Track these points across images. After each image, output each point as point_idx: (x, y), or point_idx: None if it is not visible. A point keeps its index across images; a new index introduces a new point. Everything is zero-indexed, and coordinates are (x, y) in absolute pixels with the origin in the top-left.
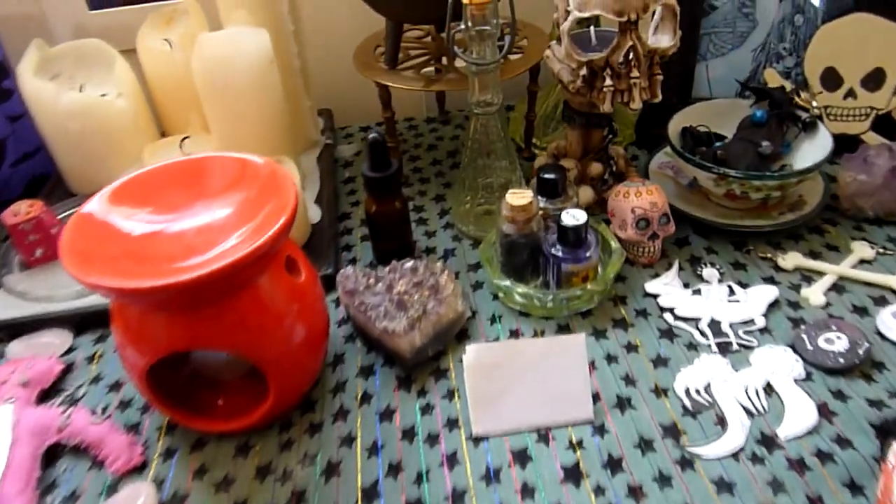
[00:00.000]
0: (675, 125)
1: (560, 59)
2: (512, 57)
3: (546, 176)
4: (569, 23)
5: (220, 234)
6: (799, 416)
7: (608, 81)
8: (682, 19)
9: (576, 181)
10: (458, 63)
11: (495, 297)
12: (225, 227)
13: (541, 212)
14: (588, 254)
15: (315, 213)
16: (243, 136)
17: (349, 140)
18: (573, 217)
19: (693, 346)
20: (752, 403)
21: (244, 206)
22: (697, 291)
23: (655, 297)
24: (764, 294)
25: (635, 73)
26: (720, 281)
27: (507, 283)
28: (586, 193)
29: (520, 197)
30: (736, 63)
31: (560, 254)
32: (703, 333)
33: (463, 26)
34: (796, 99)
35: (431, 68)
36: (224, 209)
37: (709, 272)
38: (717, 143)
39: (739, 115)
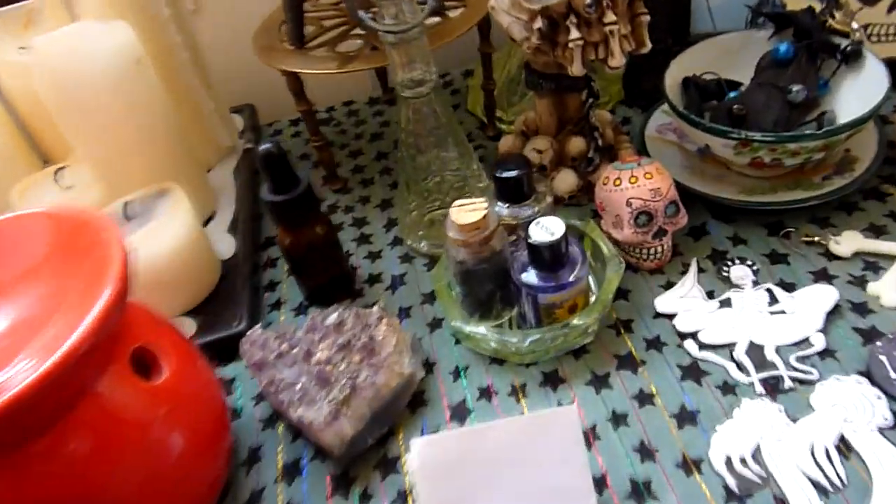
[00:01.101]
0: (673, 76)
1: (506, 10)
2: (451, 14)
3: (503, 175)
4: None
5: (5, 351)
6: (892, 488)
7: (574, 34)
8: None
9: (552, 165)
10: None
11: (459, 340)
12: (14, 334)
13: (502, 223)
14: (572, 276)
15: (227, 246)
16: (116, 159)
17: (278, 139)
18: (546, 230)
19: (730, 388)
20: (823, 472)
21: (43, 296)
22: (726, 303)
23: (670, 317)
24: (818, 298)
25: (610, 16)
26: (755, 283)
27: (469, 327)
28: (567, 180)
29: (469, 210)
30: None
31: (535, 281)
32: (740, 367)
33: None
34: (829, 22)
35: (356, 41)
36: (14, 304)
37: (738, 272)
38: (732, 94)
39: (756, 52)
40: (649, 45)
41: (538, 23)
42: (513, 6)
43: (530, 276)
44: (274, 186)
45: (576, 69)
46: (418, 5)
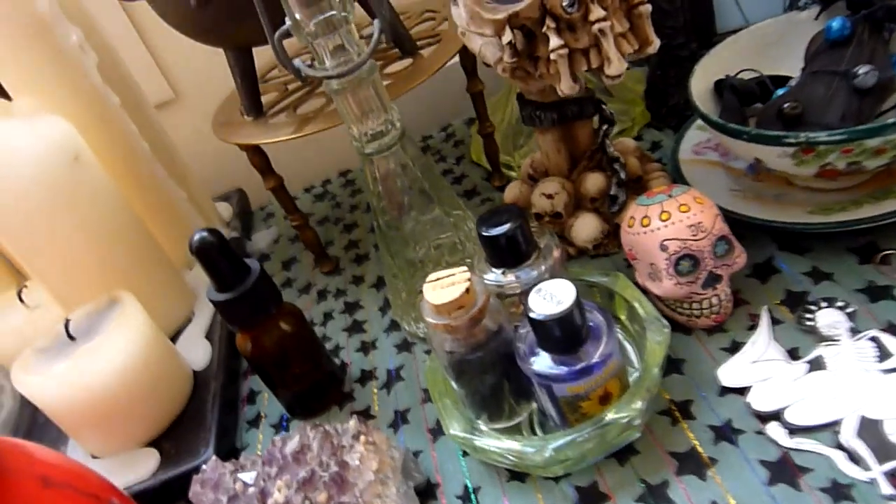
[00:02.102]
0: (702, 81)
1: (470, 28)
2: (423, 53)
3: (491, 233)
4: None
5: None
6: None
7: (555, 41)
8: None
9: (568, 210)
10: (330, 85)
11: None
12: None
13: (501, 294)
14: (597, 356)
15: (202, 355)
16: (63, 269)
17: (269, 223)
18: (551, 298)
19: (842, 490)
20: None
21: None
22: (818, 364)
23: (742, 391)
24: None
25: (597, 11)
26: (854, 332)
27: (471, 435)
28: (587, 226)
29: (446, 286)
30: None
31: (547, 368)
32: (852, 456)
33: (289, 21)
34: None
35: (319, 100)
36: None
37: (828, 318)
38: (780, 91)
39: (802, 37)
40: (655, 42)
41: (507, 36)
42: (472, 20)
43: (541, 362)
44: (218, 282)
45: (564, 86)
46: (361, 39)
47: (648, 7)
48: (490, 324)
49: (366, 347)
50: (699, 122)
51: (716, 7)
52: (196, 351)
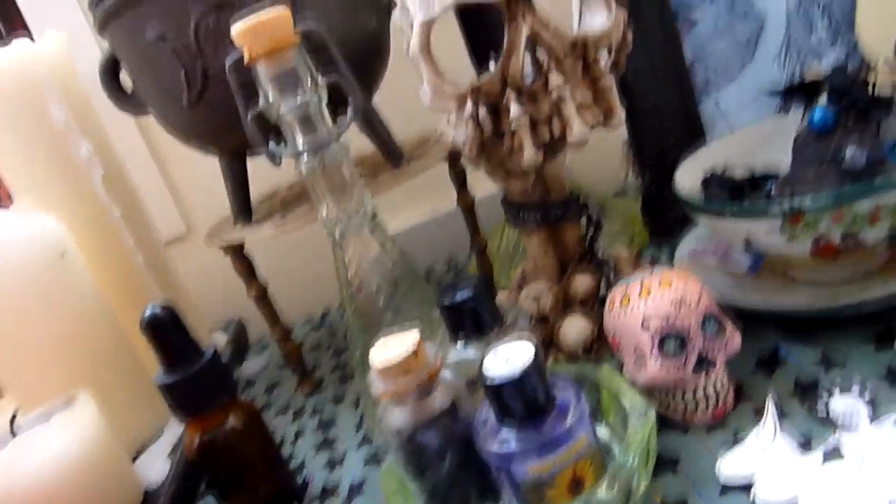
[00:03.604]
0: (688, 175)
1: (449, 121)
2: (412, 163)
3: (452, 302)
4: (418, 36)
5: None
6: None
7: (515, 110)
8: (656, 49)
9: (555, 312)
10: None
11: None
12: None
13: (462, 370)
14: (563, 427)
15: (159, 473)
16: (26, 366)
17: (263, 354)
18: (506, 360)
19: None
20: None
21: None
22: (833, 453)
23: (747, 488)
24: None
25: (555, 79)
26: (873, 418)
27: None
28: (576, 327)
29: (394, 347)
30: (755, 83)
31: (506, 447)
32: None
33: (263, 101)
34: (873, 73)
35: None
36: None
37: (843, 405)
38: (770, 185)
39: (788, 136)
40: (618, 112)
41: (469, 108)
42: (436, 95)
43: (497, 439)
44: (166, 363)
45: (527, 156)
46: (335, 123)
47: (611, 79)
48: (442, 397)
49: (333, 463)
50: (695, 230)
51: (707, 126)
52: (155, 468)
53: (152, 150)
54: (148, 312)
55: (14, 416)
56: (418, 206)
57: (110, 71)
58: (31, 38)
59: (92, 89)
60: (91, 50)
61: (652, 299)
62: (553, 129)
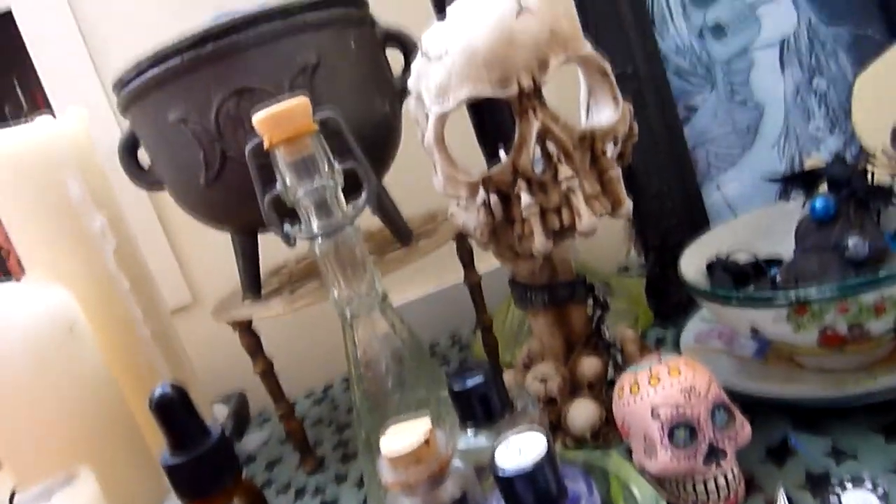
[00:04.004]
0: (692, 262)
1: (459, 204)
2: (419, 243)
3: (462, 388)
4: (433, 128)
5: None
6: None
7: (526, 199)
8: (658, 135)
9: (563, 395)
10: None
11: None
12: None
13: (473, 458)
14: None
15: None
16: (25, 438)
17: (265, 428)
18: (516, 450)
19: None
20: None
21: None
22: None
23: None
24: None
25: (564, 170)
26: None
27: None
28: (584, 411)
29: (403, 436)
30: (756, 168)
31: None
32: None
33: (280, 186)
34: (871, 164)
35: (316, 282)
36: None
37: (856, 499)
38: (773, 270)
39: (793, 225)
40: (627, 204)
41: (481, 196)
42: (448, 183)
43: None
44: (173, 444)
45: (538, 244)
46: (349, 206)
47: (618, 171)
48: (453, 487)
49: None
50: (701, 313)
51: (709, 210)
52: None
53: (162, 221)
54: (157, 392)
55: (13, 494)
56: (422, 278)
57: (129, 148)
58: (53, 114)
59: (108, 161)
60: (109, 122)
61: (661, 388)
62: (563, 217)
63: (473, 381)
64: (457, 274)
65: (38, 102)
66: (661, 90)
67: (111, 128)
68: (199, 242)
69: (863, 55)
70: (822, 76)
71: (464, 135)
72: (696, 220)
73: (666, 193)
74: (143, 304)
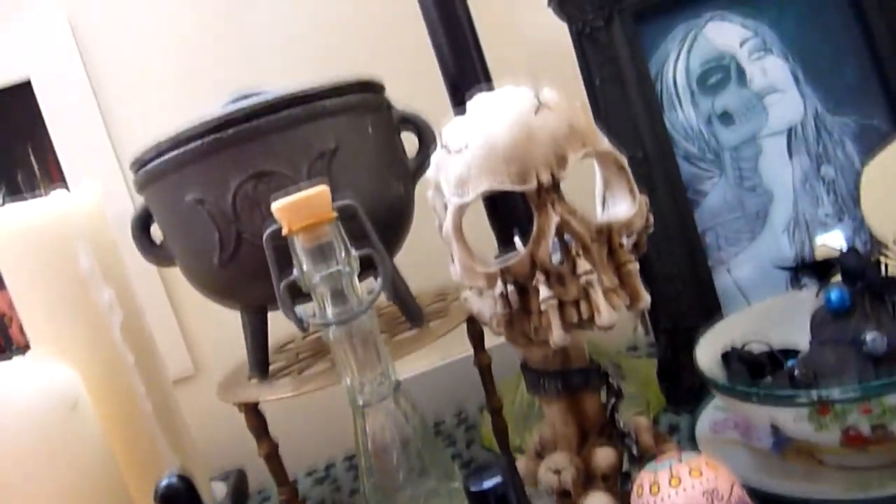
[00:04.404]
0: (708, 352)
1: (475, 290)
2: (430, 324)
3: (480, 489)
4: (451, 218)
5: None
6: None
7: (545, 292)
8: (668, 218)
9: (577, 487)
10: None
11: None
12: None
13: None
14: None
15: None
16: None
17: None
18: None
19: None
20: None
21: None
22: None
23: None
24: None
25: (583, 264)
26: None
27: None
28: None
29: None
30: (767, 254)
31: None
32: None
33: (297, 271)
34: (885, 257)
35: (325, 364)
36: None
37: None
38: (790, 362)
39: (807, 314)
40: (646, 298)
41: (499, 287)
42: (466, 274)
43: None
44: None
45: (556, 337)
46: (367, 294)
47: (636, 265)
48: None
49: None
50: (715, 400)
51: (720, 294)
52: None
53: (168, 289)
54: (164, 483)
55: None
56: (428, 351)
57: (142, 224)
58: (66, 184)
59: (118, 233)
60: (122, 195)
61: (683, 489)
62: (581, 311)
63: (491, 481)
64: (463, 347)
65: (52, 172)
66: (670, 174)
67: (124, 200)
68: (204, 312)
69: (869, 144)
70: (829, 164)
71: (476, 217)
72: (708, 304)
73: (677, 276)
74: (146, 378)
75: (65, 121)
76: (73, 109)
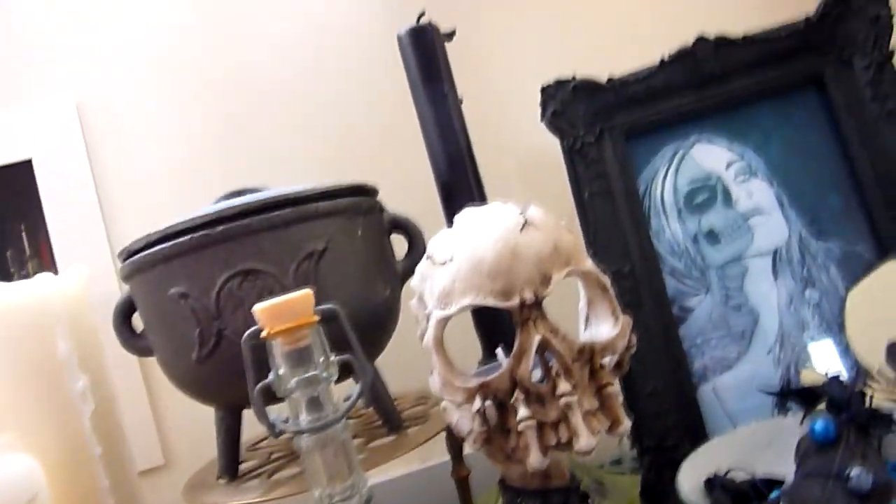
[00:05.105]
0: (691, 477)
1: (447, 398)
2: (409, 431)
3: None
4: (433, 330)
5: None
6: None
7: (523, 411)
8: (654, 334)
9: None
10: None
11: None
12: None
13: None
14: None
15: None
16: None
17: None
18: None
19: None
20: None
21: None
22: None
23: None
24: None
25: (563, 385)
26: None
27: None
28: None
29: None
30: (752, 373)
31: None
32: None
33: (273, 375)
34: (870, 389)
35: (296, 468)
36: None
37: None
38: (774, 493)
39: (792, 441)
40: (625, 423)
41: (477, 403)
42: (445, 388)
43: None
44: None
45: (533, 459)
46: (344, 401)
47: (617, 387)
48: None
49: None
50: None
51: (704, 413)
52: None
53: (146, 378)
54: None
55: None
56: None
57: (125, 313)
58: (56, 270)
59: (102, 319)
60: (110, 282)
61: None
62: (560, 434)
63: None
64: (442, 453)
65: (43, 254)
66: (656, 289)
67: (112, 288)
68: (179, 402)
69: (853, 270)
70: (814, 288)
71: (465, 322)
72: (692, 423)
73: (661, 393)
74: (112, 471)
75: (62, 203)
76: (71, 193)
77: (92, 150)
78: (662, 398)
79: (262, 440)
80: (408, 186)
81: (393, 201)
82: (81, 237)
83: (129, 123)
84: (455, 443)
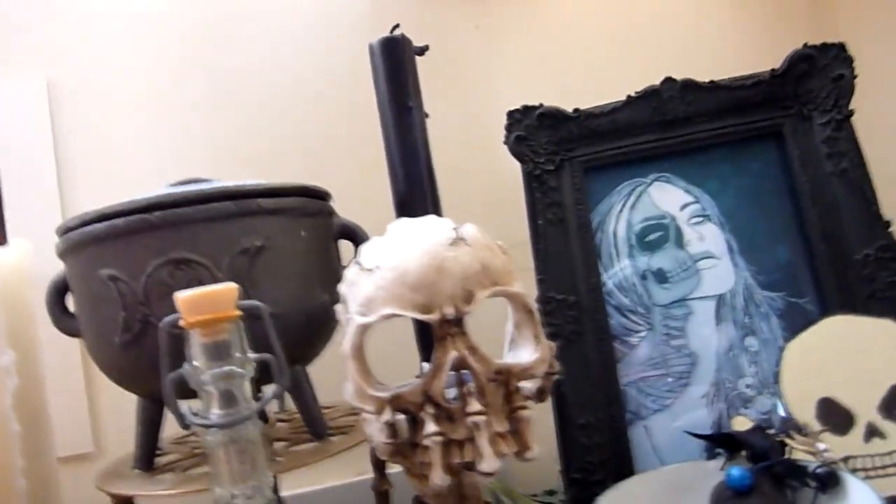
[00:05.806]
0: None
1: (358, 406)
2: (333, 439)
3: None
4: (352, 336)
5: None
6: None
7: (430, 427)
8: (592, 366)
9: None
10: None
11: None
12: None
13: None
14: None
15: None
16: None
17: None
18: None
19: None
20: None
21: None
22: None
23: None
24: None
25: (474, 405)
26: None
27: None
28: None
29: None
30: (685, 416)
31: None
32: None
33: (188, 366)
34: (790, 441)
35: None
36: None
37: None
38: None
39: (708, 485)
40: (533, 450)
41: (386, 415)
42: (357, 395)
43: None
44: None
45: (435, 476)
46: (254, 399)
47: (530, 412)
48: None
49: None
50: None
51: (634, 450)
52: None
53: (86, 364)
54: None
55: None
56: (342, 466)
57: (58, 292)
58: (5, 242)
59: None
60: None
61: None
62: (464, 453)
63: None
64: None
65: None
66: (599, 323)
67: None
68: (117, 391)
69: (794, 323)
70: (754, 336)
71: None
72: (621, 459)
73: (593, 427)
74: (29, 452)
75: (19, 177)
76: (30, 168)
77: (57, 127)
78: (594, 432)
79: (190, 435)
80: (366, 196)
81: (350, 210)
82: (36, 214)
83: (98, 101)
84: (377, 456)
